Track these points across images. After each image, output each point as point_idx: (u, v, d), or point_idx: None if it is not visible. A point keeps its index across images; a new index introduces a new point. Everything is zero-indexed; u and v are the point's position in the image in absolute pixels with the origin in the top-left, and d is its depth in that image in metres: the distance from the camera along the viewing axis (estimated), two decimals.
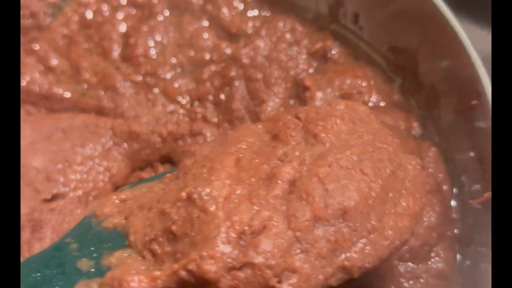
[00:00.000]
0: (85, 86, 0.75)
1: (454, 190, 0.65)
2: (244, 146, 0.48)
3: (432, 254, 0.60)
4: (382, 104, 0.71)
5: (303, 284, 0.39)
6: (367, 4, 0.74)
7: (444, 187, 0.63)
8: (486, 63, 0.59)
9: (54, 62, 0.75)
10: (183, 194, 0.44)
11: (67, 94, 0.74)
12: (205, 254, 0.39)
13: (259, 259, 0.39)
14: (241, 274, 0.39)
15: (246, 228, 0.40)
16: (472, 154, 0.62)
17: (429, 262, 0.59)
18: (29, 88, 0.72)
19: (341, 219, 0.41)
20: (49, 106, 0.75)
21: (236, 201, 0.42)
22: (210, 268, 0.39)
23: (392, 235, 0.43)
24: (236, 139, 0.50)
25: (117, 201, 0.51)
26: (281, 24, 0.76)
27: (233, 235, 0.40)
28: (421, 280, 0.58)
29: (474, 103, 0.60)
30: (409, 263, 0.59)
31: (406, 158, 0.48)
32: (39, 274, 0.46)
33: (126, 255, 0.44)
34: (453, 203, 0.64)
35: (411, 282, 0.58)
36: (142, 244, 0.44)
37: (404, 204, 0.45)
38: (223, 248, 0.39)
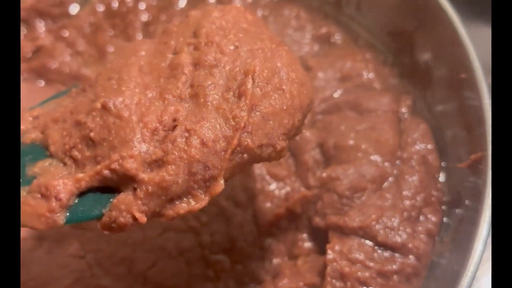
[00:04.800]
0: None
1: (443, 162, 0.68)
2: (143, 53, 0.53)
3: (422, 217, 0.64)
4: (378, 85, 0.76)
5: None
6: None
7: (430, 157, 0.67)
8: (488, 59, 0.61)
9: (82, 47, 0.82)
10: (98, 105, 0.48)
11: (94, 75, 0.81)
12: (125, 154, 0.45)
13: (175, 151, 0.44)
14: (161, 168, 0.44)
15: (158, 125, 0.46)
16: (461, 124, 0.66)
17: (418, 223, 0.63)
18: (60, 69, 0.80)
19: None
20: None
21: (147, 104, 0.48)
22: (131, 165, 0.44)
23: None
24: (134, 49, 0.54)
25: (30, 118, 0.53)
26: (287, 12, 0.83)
27: (147, 134, 0.46)
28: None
29: (463, 77, 0.65)
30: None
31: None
32: None
33: (48, 164, 0.48)
34: (442, 173, 0.68)
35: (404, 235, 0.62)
36: (63, 152, 0.48)
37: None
38: (140, 147, 0.45)
